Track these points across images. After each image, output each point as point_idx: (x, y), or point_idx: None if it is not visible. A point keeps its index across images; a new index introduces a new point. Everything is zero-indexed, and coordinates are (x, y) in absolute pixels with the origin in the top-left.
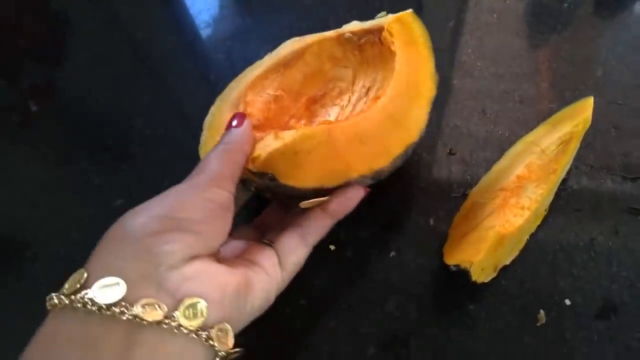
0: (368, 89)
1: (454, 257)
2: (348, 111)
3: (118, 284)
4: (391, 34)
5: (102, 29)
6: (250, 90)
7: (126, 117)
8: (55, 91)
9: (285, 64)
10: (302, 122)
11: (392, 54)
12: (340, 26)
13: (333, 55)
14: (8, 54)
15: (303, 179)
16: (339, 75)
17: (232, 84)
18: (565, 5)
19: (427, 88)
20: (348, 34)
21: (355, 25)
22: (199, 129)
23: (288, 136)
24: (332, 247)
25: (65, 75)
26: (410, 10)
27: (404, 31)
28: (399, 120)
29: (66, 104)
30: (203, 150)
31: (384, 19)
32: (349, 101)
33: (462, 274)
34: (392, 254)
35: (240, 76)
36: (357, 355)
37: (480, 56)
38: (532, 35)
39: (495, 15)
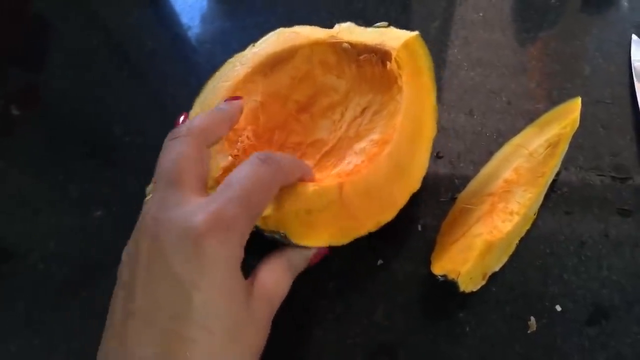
0: (364, 110)
1: (441, 267)
2: (342, 129)
3: None
4: (399, 65)
5: (83, 32)
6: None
7: (105, 123)
8: (36, 96)
9: (272, 65)
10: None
11: (396, 86)
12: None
13: (325, 61)
14: None
15: (316, 238)
16: (330, 83)
17: (211, 84)
18: (552, 1)
19: (430, 128)
20: (346, 45)
21: (353, 31)
22: None
23: (301, 193)
24: None
25: (47, 79)
26: (417, 33)
27: (411, 60)
28: (403, 168)
29: (46, 109)
30: None
31: (385, 35)
32: (341, 116)
33: (450, 284)
34: (380, 262)
35: (219, 73)
36: None
37: (466, 56)
38: (518, 33)
39: (481, 14)
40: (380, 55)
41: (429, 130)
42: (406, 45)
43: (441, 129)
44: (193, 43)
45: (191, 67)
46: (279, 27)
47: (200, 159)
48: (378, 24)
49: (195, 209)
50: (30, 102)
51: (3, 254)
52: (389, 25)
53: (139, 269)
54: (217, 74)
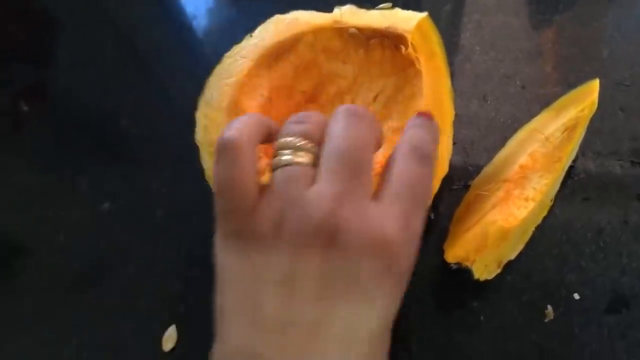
0: (376, 96)
1: (455, 255)
2: None
3: None
4: (414, 49)
5: (88, 26)
6: (243, 93)
7: (112, 116)
8: (45, 92)
9: (275, 55)
10: None
11: (413, 69)
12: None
13: (329, 47)
14: None
15: None
16: (335, 70)
17: (213, 81)
18: None
19: (449, 110)
20: (353, 30)
21: (357, 15)
22: (185, 127)
23: None
24: None
25: (54, 74)
26: (426, 14)
27: (424, 42)
28: None
29: (54, 104)
30: (209, 174)
31: (396, 19)
32: (352, 103)
33: (463, 272)
34: None
35: (220, 69)
36: None
37: (480, 40)
38: (532, 15)
39: None
40: (393, 39)
41: (449, 112)
42: (419, 27)
43: (454, 116)
44: (198, 34)
45: (197, 59)
46: (284, 12)
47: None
48: (381, 5)
49: (387, 222)
50: (39, 98)
51: (12, 249)
52: (392, 7)
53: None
54: (218, 70)
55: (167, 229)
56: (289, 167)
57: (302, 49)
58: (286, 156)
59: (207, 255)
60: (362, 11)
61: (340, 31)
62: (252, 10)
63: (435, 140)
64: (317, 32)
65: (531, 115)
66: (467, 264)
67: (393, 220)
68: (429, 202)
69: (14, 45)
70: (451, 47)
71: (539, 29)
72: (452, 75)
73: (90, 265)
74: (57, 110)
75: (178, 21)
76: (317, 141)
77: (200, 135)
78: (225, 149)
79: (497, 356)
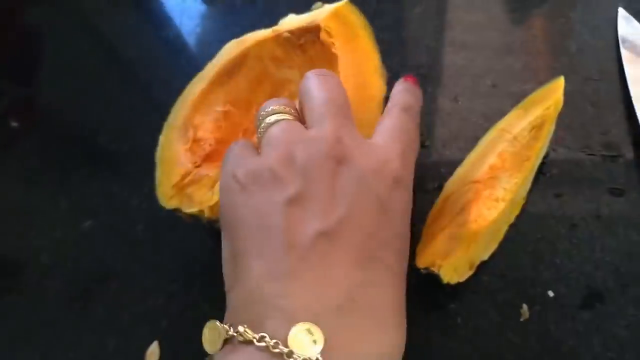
0: None
1: (424, 260)
2: None
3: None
4: (330, 34)
5: (71, 40)
6: (196, 111)
7: (92, 132)
8: (33, 108)
9: (228, 73)
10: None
11: (332, 55)
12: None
13: (275, 56)
14: None
15: None
16: (285, 76)
17: (177, 105)
18: None
19: (377, 88)
20: (286, 34)
21: (291, 21)
22: None
23: None
24: None
25: (39, 91)
26: (346, 1)
27: (343, 27)
28: None
29: (41, 121)
30: (160, 189)
31: (318, 14)
32: None
33: (434, 277)
34: None
35: (184, 93)
36: None
37: (450, 41)
38: (502, 13)
39: None
40: (315, 32)
41: (377, 90)
42: (336, 14)
43: (425, 117)
44: (178, 50)
45: (177, 74)
46: (259, 22)
47: None
48: (313, 5)
49: (387, 149)
50: (28, 115)
51: None
52: (323, 5)
53: (323, 185)
54: (183, 94)
55: (149, 244)
56: (281, 121)
57: (251, 62)
58: (273, 116)
59: (188, 270)
60: (299, 16)
61: (278, 38)
62: (225, 20)
63: (419, 102)
64: (260, 43)
65: (503, 113)
66: (434, 269)
67: (392, 149)
68: (418, 150)
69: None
70: (421, 48)
71: (509, 27)
72: (423, 77)
73: (73, 282)
74: (42, 127)
75: (159, 37)
76: (294, 108)
77: (158, 152)
78: None
79: (474, 357)
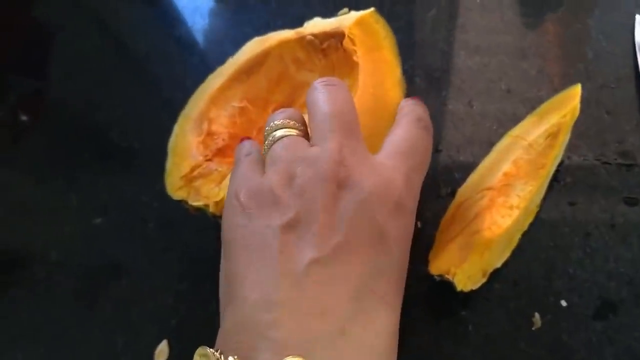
0: None
1: (438, 266)
2: None
3: None
4: (353, 42)
5: (81, 35)
6: (213, 104)
7: (102, 129)
8: (41, 102)
9: (248, 71)
10: None
11: (354, 63)
12: None
13: (297, 57)
14: None
15: None
16: (305, 79)
17: (194, 97)
18: None
19: (395, 99)
20: (309, 37)
21: (316, 24)
22: None
23: None
24: None
25: (49, 85)
26: (372, 10)
27: (367, 35)
28: (367, 140)
29: (50, 116)
30: (169, 179)
31: (343, 20)
32: None
33: (447, 284)
34: None
35: (202, 87)
36: None
37: (463, 45)
38: (517, 18)
39: (478, 0)
40: (338, 38)
41: (395, 102)
42: (360, 22)
43: (439, 122)
44: (190, 47)
45: (188, 72)
46: (272, 21)
47: None
48: (340, 11)
49: (391, 170)
50: (37, 109)
51: (6, 265)
52: (349, 11)
53: (325, 211)
54: (200, 88)
55: (159, 241)
56: (285, 138)
57: (272, 62)
58: (279, 132)
59: (198, 269)
60: (324, 20)
61: (301, 40)
62: (236, 19)
63: (428, 117)
64: (283, 44)
65: (517, 119)
66: (449, 276)
67: (396, 169)
68: (427, 166)
69: (8, 57)
70: (435, 51)
71: (524, 31)
72: (437, 81)
73: (83, 280)
74: (51, 123)
75: (171, 34)
76: (301, 122)
77: (171, 142)
78: None
79: None
